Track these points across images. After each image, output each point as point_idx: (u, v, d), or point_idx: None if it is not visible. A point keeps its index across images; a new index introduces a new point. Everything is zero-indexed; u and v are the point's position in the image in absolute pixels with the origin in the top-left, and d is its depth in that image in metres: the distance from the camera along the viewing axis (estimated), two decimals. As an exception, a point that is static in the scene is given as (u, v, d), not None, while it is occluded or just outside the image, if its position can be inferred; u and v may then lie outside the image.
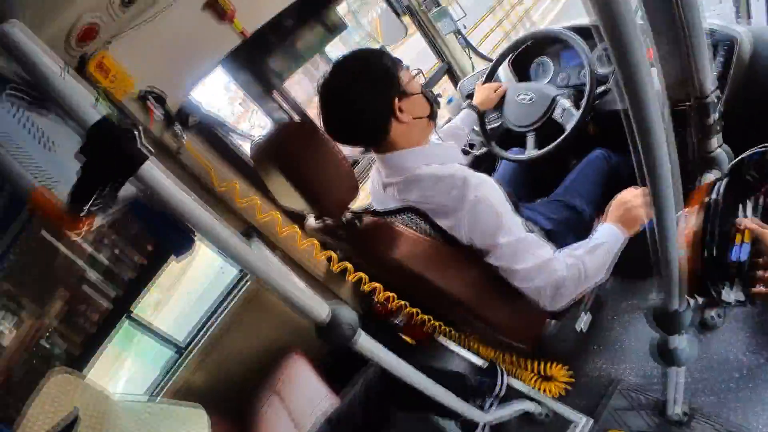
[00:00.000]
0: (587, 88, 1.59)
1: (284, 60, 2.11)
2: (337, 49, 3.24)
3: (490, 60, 2.21)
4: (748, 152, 1.10)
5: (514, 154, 1.83)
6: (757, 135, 1.12)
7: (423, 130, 1.26)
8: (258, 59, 2.03)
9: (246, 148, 2.10)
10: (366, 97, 1.15)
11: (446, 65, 2.41)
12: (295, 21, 2.03)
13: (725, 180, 1.08)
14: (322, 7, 2.08)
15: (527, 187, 1.78)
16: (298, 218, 1.96)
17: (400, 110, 1.17)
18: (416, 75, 1.24)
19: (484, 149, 2.03)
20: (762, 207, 1.08)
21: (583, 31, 1.63)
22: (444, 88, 2.48)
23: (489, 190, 1.14)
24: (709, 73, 1.03)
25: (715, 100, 1.07)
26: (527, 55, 1.99)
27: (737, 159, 1.13)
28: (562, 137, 1.62)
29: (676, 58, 1.01)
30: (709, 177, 1.17)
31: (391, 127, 1.19)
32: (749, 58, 1.40)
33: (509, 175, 1.87)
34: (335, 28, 2.15)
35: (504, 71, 2.03)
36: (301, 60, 2.13)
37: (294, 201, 1.19)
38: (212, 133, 1.98)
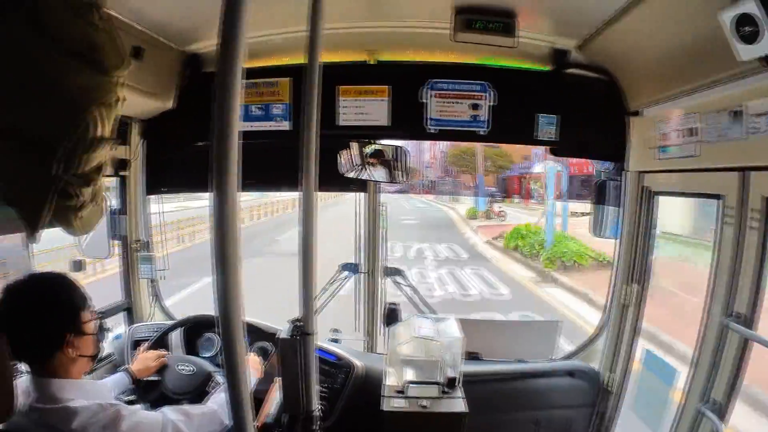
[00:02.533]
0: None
1: None
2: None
3: (173, 318, 2.47)
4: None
5: None
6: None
7: (83, 367, 1.36)
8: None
9: None
10: (42, 324, 1.23)
11: (127, 303, 2.50)
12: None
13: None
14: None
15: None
16: None
17: (70, 345, 1.25)
18: (96, 317, 1.38)
19: None
20: None
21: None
22: (118, 322, 2.47)
23: (140, 417, 1.32)
24: (315, 398, 1.58)
25: (319, 413, 1.55)
26: (200, 325, 2.35)
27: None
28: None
29: (295, 384, 1.55)
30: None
31: (56, 358, 1.25)
32: (363, 378, 2.21)
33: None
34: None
35: (176, 336, 2.29)
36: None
37: None
38: None
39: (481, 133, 2.26)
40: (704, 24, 1.49)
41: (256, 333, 2.27)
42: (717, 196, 1.75)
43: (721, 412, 1.64)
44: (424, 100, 2.25)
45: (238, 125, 0.63)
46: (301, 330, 1.39)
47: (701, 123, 1.76)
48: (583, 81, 2.27)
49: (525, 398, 2.38)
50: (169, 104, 2.33)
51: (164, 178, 2.56)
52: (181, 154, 2.49)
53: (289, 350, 1.43)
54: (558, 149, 2.38)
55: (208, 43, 2.24)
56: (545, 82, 2.28)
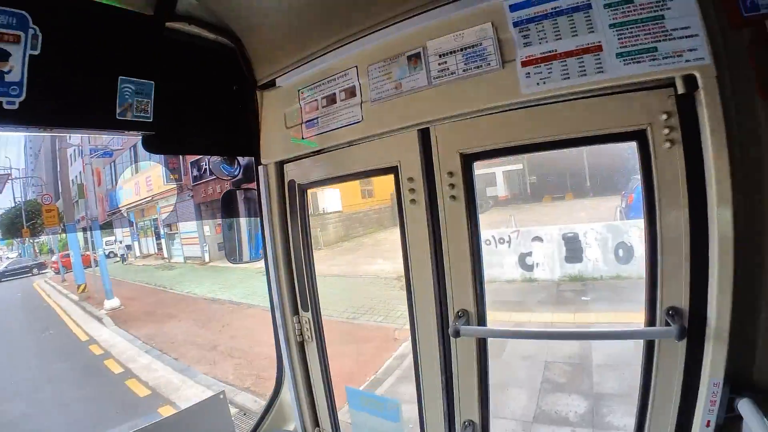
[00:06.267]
0: None
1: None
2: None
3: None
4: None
5: None
6: None
7: None
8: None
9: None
10: None
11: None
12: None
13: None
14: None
15: None
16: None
17: None
18: None
19: None
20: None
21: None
22: None
23: None
24: None
25: None
26: None
27: None
28: None
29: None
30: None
31: None
32: None
33: None
34: None
35: None
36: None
37: None
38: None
39: (6, 106, 1.13)
40: None
41: None
42: (392, 169, 1.43)
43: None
44: None
45: None
46: None
47: (365, 78, 1.39)
48: (198, 41, 1.57)
49: None
50: None
51: None
52: None
53: None
54: (155, 140, 1.46)
55: None
56: (137, 32, 1.37)
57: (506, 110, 1.23)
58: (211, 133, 1.67)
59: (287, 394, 1.97)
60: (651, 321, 1.19)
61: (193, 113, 1.58)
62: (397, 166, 1.41)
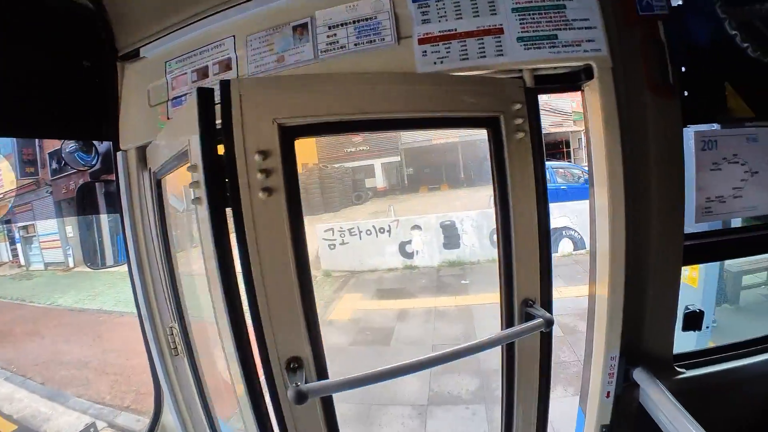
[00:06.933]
0: None
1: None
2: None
3: None
4: None
5: None
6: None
7: None
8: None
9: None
10: None
11: None
12: None
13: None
14: None
15: None
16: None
17: None
18: None
19: None
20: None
21: None
22: None
23: None
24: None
25: None
26: None
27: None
28: None
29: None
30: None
31: None
32: None
33: None
34: None
35: None
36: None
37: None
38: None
39: None
40: None
41: None
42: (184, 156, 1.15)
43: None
44: None
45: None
46: None
47: (243, 50, 1.22)
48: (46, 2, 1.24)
49: None
50: None
51: None
52: None
53: None
54: None
55: None
56: None
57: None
58: (59, 112, 1.33)
59: (169, 415, 1.71)
60: (509, 315, 1.15)
61: (35, 86, 1.25)
62: (186, 150, 1.02)
